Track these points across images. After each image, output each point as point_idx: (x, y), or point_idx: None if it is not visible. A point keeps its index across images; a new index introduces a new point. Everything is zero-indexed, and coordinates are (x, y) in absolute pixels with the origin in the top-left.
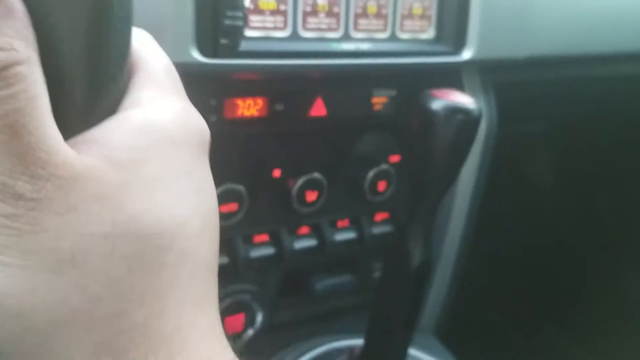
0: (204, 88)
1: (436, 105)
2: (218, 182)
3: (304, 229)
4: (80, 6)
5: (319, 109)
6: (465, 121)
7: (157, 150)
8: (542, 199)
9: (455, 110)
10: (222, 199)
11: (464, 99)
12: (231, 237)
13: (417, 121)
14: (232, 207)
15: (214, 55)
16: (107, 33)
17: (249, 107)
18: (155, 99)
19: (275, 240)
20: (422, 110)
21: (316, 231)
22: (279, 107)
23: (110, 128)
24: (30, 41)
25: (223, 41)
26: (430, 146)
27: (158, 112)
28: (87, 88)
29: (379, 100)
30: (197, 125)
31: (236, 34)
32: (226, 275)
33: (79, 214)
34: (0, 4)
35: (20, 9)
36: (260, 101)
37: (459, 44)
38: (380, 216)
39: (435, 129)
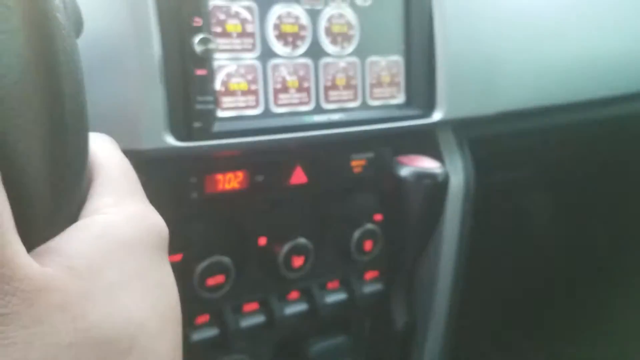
0: (183, 166)
1: (404, 172)
2: (204, 255)
3: (294, 294)
4: (38, 122)
5: (299, 176)
6: (433, 185)
7: (113, 256)
8: (526, 236)
9: (423, 176)
10: (209, 272)
11: (430, 164)
12: (220, 309)
13: (388, 187)
14: (219, 279)
15: (189, 138)
16: (64, 146)
17: (230, 181)
18: (112, 205)
19: (265, 308)
20: (392, 177)
21: (306, 295)
22: (259, 178)
23: (70, 237)
24: None
25: (196, 124)
26: (403, 210)
27: (114, 218)
28: (48, 199)
29: (358, 163)
30: (153, 226)
31: (209, 117)
32: (218, 347)
33: (44, 325)
34: None
35: None
36: (240, 174)
37: (429, 106)
38: (370, 275)
39: (405, 195)
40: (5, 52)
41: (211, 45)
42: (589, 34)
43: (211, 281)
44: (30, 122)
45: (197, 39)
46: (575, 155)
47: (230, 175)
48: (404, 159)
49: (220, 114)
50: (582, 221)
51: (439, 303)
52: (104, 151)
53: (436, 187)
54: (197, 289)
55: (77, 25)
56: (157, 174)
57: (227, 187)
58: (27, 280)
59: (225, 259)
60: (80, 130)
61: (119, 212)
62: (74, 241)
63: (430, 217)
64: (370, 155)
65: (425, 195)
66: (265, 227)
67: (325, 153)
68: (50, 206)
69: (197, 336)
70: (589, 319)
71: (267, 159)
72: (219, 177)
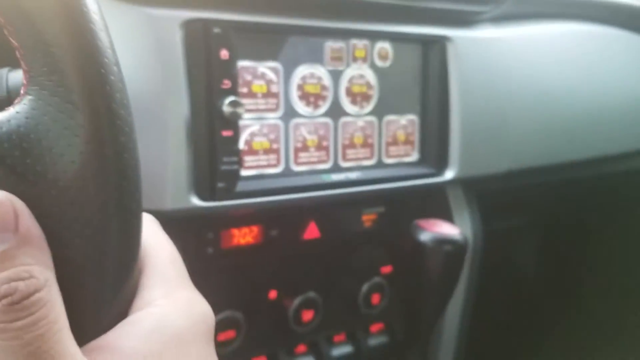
0: (201, 223)
1: (424, 237)
2: (216, 310)
3: (302, 348)
4: (94, 218)
5: (312, 232)
6: (453, 251)
7: (168, 351)
8: (532, 281)
9: (443, 242)
10: (220, 327)
11: (450, 230)
12: None
13: (406, 250)
14: (230, 334)
15: (212, 198)
16: (119, 238)
17: (245, 235)
18: (163, 296)
19: None
20: (411, 241)
21: (313, 348)
22: (274, 232)
23: (123, 333)
24: (48, 262)
25: (220, 185)
26: (421, 274)
27: (166, 311)
28: (101, 294)
29: (369, 218)
30: (202, 314)
31: (232, 177)
32: None
33: None
34: (17, 233)
35: (36, 234)
36: (255, 229)
37: (441, 165)
38: (375, 327)
39: (424, 259)
40: (68, 149)
41: (239, 109)
42: (593, 91)
43: (222, 336)
44: (87, 218)
45: (226, 101)
46: (573, 206)
47: (245, 230)
48: (423, 223)
49: (243, 172)
50: (572, 268)
51: (446, 355)
52: (151, 236)
53: (456, 252)
54: None
55: None
56: (174, 230)
57: (242, 242)
58: None
59: (237, 314)
60: (135, 223)
61: (169, 303)
62: (128, 338)
63: (449, 281)
64: (381, 209)
65: (445, 261)
66: (276, 281)
67: (339, 209)
68: (104, 300)
69: None
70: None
71: (282, 215)
72: (235, 232)
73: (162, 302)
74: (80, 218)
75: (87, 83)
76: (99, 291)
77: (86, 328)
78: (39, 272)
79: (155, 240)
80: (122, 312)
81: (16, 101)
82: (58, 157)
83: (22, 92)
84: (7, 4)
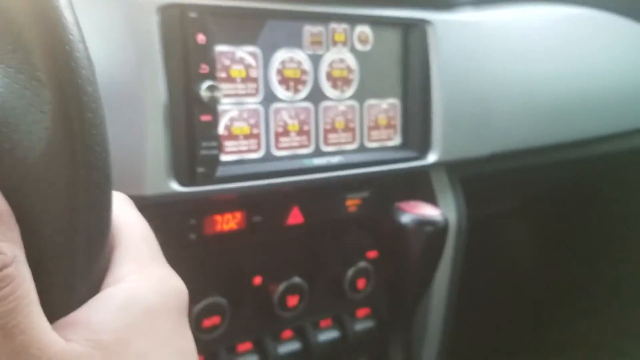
0: (182, 208)
1: (405, 218)
2: (200, 297)
3: (287, 333)
4: (63, 193)
5: (295, 217)
6: (434, 232)
7: (139, 326)
8: (517, 266)
9: (424, 223)
10: (205, 313)
11: (431, 211)
12: (214, 349)
13: (387, 231)
14: (215, 320)
15: (192, 183)
16: (89, 215)
17: (228, 222)
18: (135, 272)
19: (259, 347)
20: (392, 222)
21: (299, 334)
22: (257, 218)
23: (94, 308)
24: (16, 240)
25: (200, 170)
26: (403, 256)
27: (137, 286)
28: (72, 269)
29: (353, 202)
30: (174, 290)
31: (212, 162)
32: None
33: None
34: None
35: (4, 210)
36: (238, 215)
37: (424, 148)
38: (361, 312)
39: (405, 241)
40: (35, 125)
41: (217, 93)
42: (577, 74)
43: (207, 322)
44: (56, 193)
45: (203, 86)
46: (561, 189)
47: (228, 216)
48: (404, 205)
49: (223, 157)
50: (563, 251)
51: (432, 339)
52: (123, 214)
53: (437, 233)
54: (194, 330)
55: None
56: (156, 216)
57: (225, 227)
58: (55, 358)
59: (222, 300)
60: (105, 199)
61: (141, 279)
62: (99, 313)
63: (431, 262)
64: (365, 194)
65: (426, 242)
66: (260, 267)
67: (322, 193)
68: (75, 276)
69: None
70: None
71: (265, 200)
72: (218, 218)
73: (134, 278)
74: (48, 194)
75: (52, 60)
76: (69, 267)
77: (57, 304)
78: (6, 248)
79: (127, 218)
80: (93, 288)
81: None
82: (25, 134)
83: None
84: None
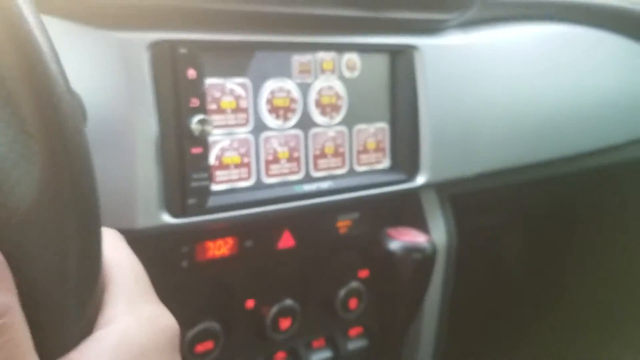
0: (174, 237)
1: (394, 245)
2: (193, 322)
3: (281, 355)
4: (54, 240)
5: (287, 240)
6: (422, 259)
7: None
8: (507, 280)
9: (412, 250)
10: (199, 338)
11: (419, 238)
12: None
13: (378, 257)
14: (209, 345)
15: (183, 214)
16: (81, 257)
17: (220, 247)
18: (126, 312)
19: None
20: (382, 248)
21: (293, 355)
22: (249, 243)
23: (87, 351)
24: (10, 288)
25: (191, 201)
26: (393, 280)
27: (128, 327)
28: (64, 314)
29: (344, 224)
30: (165, 328)
31: (203, 192)
32: None
33: None
34: None
35: None
36: (230, 240)
37: (413, 170)
38: (354, 331)
39: (395, 267)
40: (25, 176)
41: (208, 127)
42: (564, 91)
43: (200, 347)
44: (47, 241)
45: (194, 120)
46: (549, 203)
47: (220, 242)
48: (392, 232)
49: (214, 187)
50: (552, 261)
51: (424, 356)
52: (113, 252)
53: (425, 260)
54: (187, 355)
55: (82, 117)
56: (148, 245)
57: (217, 254)
58: None
59: (215, 325)
60: (95, 242)
61: (132, 319)
62: (92, 355)
63: (420, 286)
64: (356, 215)
65: (415, 268)
66: (253, 290)
67: (313, 217)
68: (67, 319)
69: None
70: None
71: (256, 225)
72: (209, 244)
73: (125, 318)
74: (39, 242)
75: (40, 113)
76: (62, 311)
77: (50, 348)
78: (1, 298)
79: (117, 256)
80: (86, 330)
81: None
82: (16, 186)
83: None
84: None
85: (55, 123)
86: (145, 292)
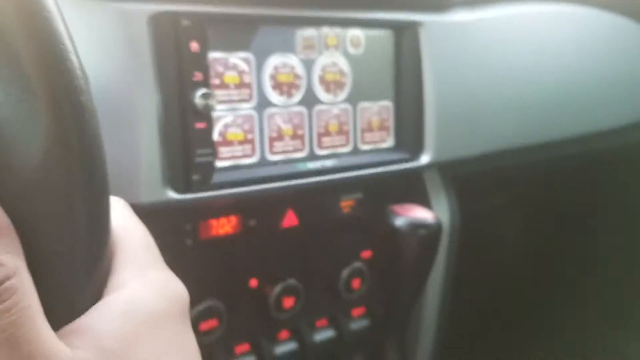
0: (178, 214)
1: (399, 222)
2: (197, 300)
3: (284, 334)
4: (61, 202)
5: (290, 219)
6: (427, 235)
7: (142, 331)
8: (510, 263)
9: (417, 226)
10: (203, 316)
11: (424, 214)
12: (212, 352)
13: (382, 235)
14: (213, 323)
15: (187, 190)
16: (89, 222)
17: (223, 226)
18: (136, 276)
19: (256, 349)
20: (386, 225)
21: (296, 334)
22: (252, 222)
23: (97, 315)
24: (17, 250)
25: (195, 177)
26: (397, 258)
27: (139, 292)
28: (73, 278)
29: (347, 204)
30: (176, 294)
31: (208, 168)
32: None
33: None
34: None
35: (4, 223)
36: (233, 219)
37: (417, 149)
38: (357, 311)
39: (399, 244)
40: (31, 136)
41: (212, 100)
42: (568, 71)
43: (204, 325)
44: (55, 203)
45: (198, 94)
46: (552, 185)
47: (223, 220)
48: (397, 208)
49: (218, 163)
50: (554, 242)
51: (427, 337)
52: (122, 220)
53: (430, 236)
54: None
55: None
56: (152, 222)
57: (221, 232)
58: None
59: (219, 303)
60: (103, 205)
61: (142, 284)
62: (103, 319)
63: (425, 264)
64: (359, 195)
65: (420, 245)
66: (256, 269)
67: (316, 196)
68: (76, 284)
69: None
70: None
71: (259, 204)
72: (213, 222)
73: (135, 284)
74: (47, 204)
75: (44, 71)
76: (71, 276)
77: (60, 312)
78: (8, 260)
79: (126, 224)
80: (95, 295)
81: None
82: (21, 146)
83: None
84: None
85: (61, 82)
86: (154, 258)
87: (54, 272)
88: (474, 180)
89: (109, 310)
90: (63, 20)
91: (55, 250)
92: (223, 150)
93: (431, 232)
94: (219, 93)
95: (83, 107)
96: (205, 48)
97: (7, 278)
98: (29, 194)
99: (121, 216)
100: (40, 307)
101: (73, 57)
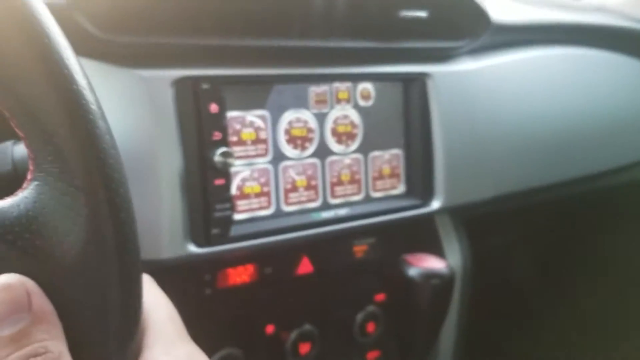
0: (197, 265)
1: (412, 272)
2: (215, 348)
3: None
4: (100, 293)
5: (305, 266)
6: (441, 285)
7: None
8: (527, 297)
9: (430, 276)
10: None
11: (437, 264)
12: None
13: (395, 282)
14: None
15: (207, 244)
16: (123, 307)
17: (240, 275)
18: (163, 353)
19: None
20: (399, 274)
21: None
22: (268, 270)
23: None
24: (60, 336)
25: (215, 231)
26: (411, 307)
27: None
28: (108, 358)
29: (360, 249)
30: None
31: (226, 222)
32: None
33: None
34: (31, 312)
35: (48, 310)
36: (250, 267)
37: (427, 195)
38: (372, 355)
39: (414, 293)
40: (73, 228)
41: (230, 158)
42: (575, 113)
43: None
44: (92, 289)
45: (217, 152)
46: (562, 222)
47: (240, 269)
48: (410, 258)
49: (236, 216)
50: (562, 276)
51: None
52: (148, 295)
53: (443, 285)
54: None
55: None
56: (172, 274)
57: (238, 280)
58: None
59: (237, 351)
60: (136, 289)
61: None
62: None
63: (439, 312)
64: (372, 240)
65: (434, 294)
66: (272, 315)
67: (330, 243)
68: None
69: None
70: None
71: (275, 252)
72: (230, 271)
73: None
74: (86, 290)
75: (87, 168)
76: (106, 355)
77: None
78: (53, 346)
79: (153, 300)
80: None
81: (24, 186)
82: (64, 237)
83: (29, 177)
84: (12, 101)
85: (101, 177)
86: (180, 332)
87: (91, 353)
88: (486, 221)
89: None
90: (105, 119)
91: (92, 332)
92: (240, 203)
93: (444, 282)
94: (237, 149)
95: (121, 198)
96: (223, 109)
97: None
98: (70, 281)
99: (148, 292)
100: None
101: (113, 153)
